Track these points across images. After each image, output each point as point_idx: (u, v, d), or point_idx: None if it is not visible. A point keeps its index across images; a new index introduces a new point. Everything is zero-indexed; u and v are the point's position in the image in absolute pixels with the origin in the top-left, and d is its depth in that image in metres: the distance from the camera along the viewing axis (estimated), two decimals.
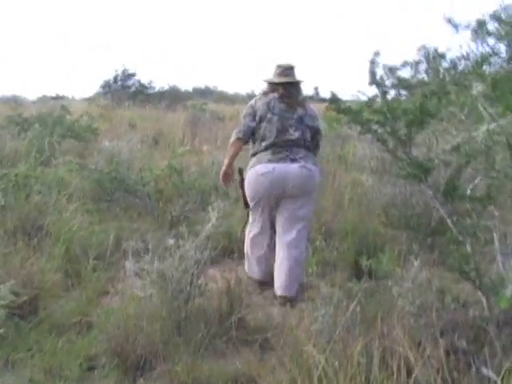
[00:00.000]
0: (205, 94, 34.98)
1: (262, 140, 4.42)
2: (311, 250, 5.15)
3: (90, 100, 27.35)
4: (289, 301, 4.37)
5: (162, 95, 25.40)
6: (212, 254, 4.03)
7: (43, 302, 4.22)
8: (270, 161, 4.35)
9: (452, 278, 3.78)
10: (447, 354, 2.77)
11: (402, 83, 3.43)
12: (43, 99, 35.54)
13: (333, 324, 3.04)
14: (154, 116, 17.16)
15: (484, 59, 2.96)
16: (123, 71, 26.03)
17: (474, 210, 3.19)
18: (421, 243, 4.07)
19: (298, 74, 4.69)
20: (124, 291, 4.16)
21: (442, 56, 3.30)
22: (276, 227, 4.57)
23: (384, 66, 3.35)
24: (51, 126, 10.25)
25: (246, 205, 4.70)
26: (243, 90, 33.71)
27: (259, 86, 5.01)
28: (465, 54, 3.25)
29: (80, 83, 57.86)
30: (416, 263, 3.10)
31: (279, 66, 4.61)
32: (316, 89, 3.70)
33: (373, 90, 3.56)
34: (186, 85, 53.20)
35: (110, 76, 26.80)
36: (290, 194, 4.38)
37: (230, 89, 52.95)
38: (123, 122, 15.52)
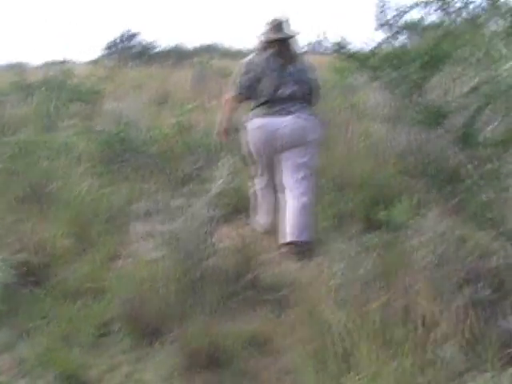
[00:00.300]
0: (210, 50, 34.48)
1: (260, 96, 4.48)
2: (326, 203, 5.04)
3: (95, 63, 27.09)
4: (301, 247, 4.33)
5: (167, 54, 25.05)
6: (224, 212, 3.95)
7: (55, 268, 4.19)
8: (264, 115, 4.46)
9: (472, 227, 3.65)
10: (472, 304, 2.67)
11: (410, 26, 3.25)
12: (48, 64, 35.24)
13: (352, 279, 2.93)
14: (160, 75, 16.90)
15: None
16: (126, 31, 25.66)
17: (494, 155, 3.05)
18: (439, 191, 3.91)
19: (292, 28, 4.62)
20: (136, 254, 4.08)
21: None
22: (282, 179, 4.59)
23: (393, 9, 3.17)
24: (57, 89, 10.08)
25: (247, 160, 4.88)
26: (246, 47, 33.20)
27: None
28: None
29: (85, 46, 57.32)
30: (435, 212, 2.96)
31: (272, 22, 4.56)
32: (324, 33, 3.54)
33: (380, 37, 3.41)
34: (192, 42, 52.59)
35: (113, 37, 26.43)
36: (288, 144, 4.44)
37: (235, 45, 52.21)
38: (130, 83, 15.32)
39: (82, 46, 68.02)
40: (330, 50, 3.40)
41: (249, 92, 4.52)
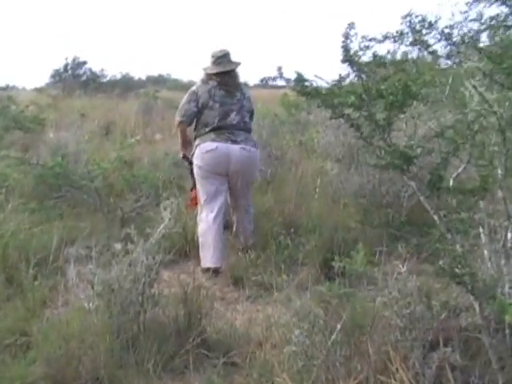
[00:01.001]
0: (158, 82, 34.31)
1: (205, 125, 4.76)
2: (275, 247, 4.77)
3: (40, 90, 26.47)
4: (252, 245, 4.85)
5: (114, 84, 24.73)
6: (167, 257, 3.60)
7: None
8: (213, 140, 4.69)
9: (439, 281, 3.40)
10: (444, 368, 2.41)
11: (378, 60, 3.00)
12: None
13: (310, 345, 2.60)
14: (105, 105, 16.53)
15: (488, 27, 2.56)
16: (73, 59, 25.19)
17: (462, 204, 2.81)
18: (398, 240, 3.68)
19: (233, 59, 4.94)
20: (67, 303, 3.67)
21: (431, 25, 2.88)
22: (230, 200, 5.00)
23: (361, 39, 2.91)
24: None
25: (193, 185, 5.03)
26: (197, 78, 33.09)
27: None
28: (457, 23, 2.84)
29: (31, 73, 56.35)
30: (403, 268, 2.68)
31: (213, 55, 4.85)
32: (279, 69, 3.27)
33: (342, 71, 3.17)
34: (139, 73, 52.15)
35: (60, 65, 25.92)
36: (232, 171, 4.73)
37: (185, 76, 52.04)
38: (73, 112, 14.87)
39: (27, 72, 66.96)
40: (287, 83, 3.12)
41: (191, 120, 4.83)
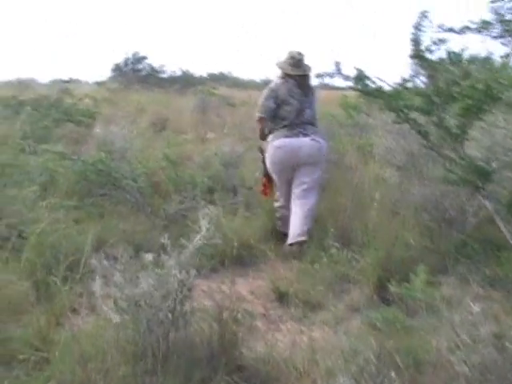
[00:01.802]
0: (219, 79, 34.18)
1: (282, 119, 5.10)
2: (326, 260, 4.39)
3: (101, 84, 26.65)
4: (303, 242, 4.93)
5: (174, 80, 24.64)
6: (203, 272, 3.28)
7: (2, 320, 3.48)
8: (286, 136, 5.07)
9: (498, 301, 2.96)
10: None
11: (454, 57, 2.55)
12: (55, 82, 34.94)
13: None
14: (162, 100, 16.36)
15: None
16: (134, 54, 25.20)
17: None
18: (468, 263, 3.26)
19: (308, 64, 5.26)
20: (93, 311, 3.37)
21: None
22: (293, 190, 5.18)
23: (435, 29, 2.47)
24: (46, 109, 9.45)
25: (269, 178, 5.36)
26: (257, 77, 32.84)
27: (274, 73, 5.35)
28: None
29: (94, 67, 57.19)
30: (475, 308, 2.24)
31: (293, 57, 5.17)
32: (337, 64, 2.88)
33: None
34: (201, 70, 52.29)
35: (121, 59, 26.00)
36: (303, 162, 5.06)
37: (245, 75, 51.93)
38: (131, 107, 14.76)
39: (91, 66, 68.07)
40: (345, 80, 2.74)
41: (270, 116, 5.14)
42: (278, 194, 5.37)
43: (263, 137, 5.29)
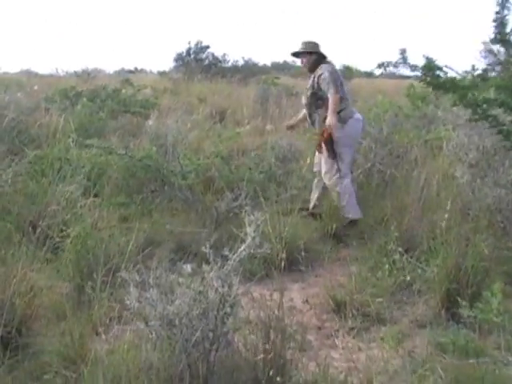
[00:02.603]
0: (283, 68, 33.81)
1: (346, 99, 5.44)
2: (388, 267, 4.02)
3: (163, 74, 26.63)
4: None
5: (237, 69, 24.35)
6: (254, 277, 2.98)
7: (37, 325, 3.29)
8: (356, 112, 5.56)
9: None
10: None
11: None
12: (120, 72, 35.30)
13: None
14: (224, 90, 16.10)
15: None
16: (196, 44, 25.02)
17: None
18: None
19: None
20: (130, 324, 3.09)
21: None
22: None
23: None
24: (103, 100, 9.31)
25: (334, 155, 5.37)
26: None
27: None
28: None
29: (159, 56, 57.61)
30: None
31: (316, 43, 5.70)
32: (403, 52, 2.49)
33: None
34: (263, 59, 51.96)
35: (183, 48, 25.86)
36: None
37: None
38: (191, 97, 14.55)
39: (155, 55, 68.74)
40: (412, 70, 2.36)
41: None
42: (340, 166, 5.38)
43: (336, 126, 5.26)
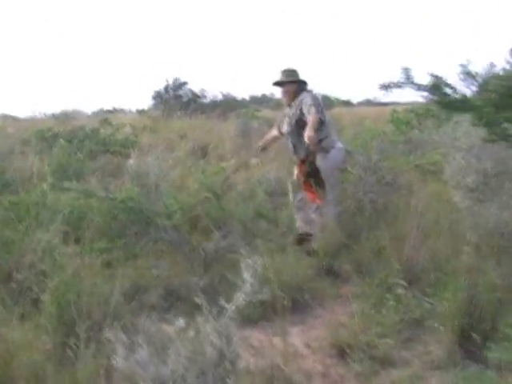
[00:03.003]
0: (262, 101, 33.84)
1: (326, 126, 5.39)
2: (392, 304, 3.76)
3: (142, 112, 26.47)
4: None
5: (216, 104, 24.24)
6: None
7: None
8: (338, 141, 5.54)
9: None
10: None
11: None
12: (99, 113, 35.14)
13: None
14: (204, 126, 15.90)
15: None
16: (174, 80, 24.91)
17: None
18: None
19: None
20: None
21: None
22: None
23: None
24: (81, 140, 9.05)
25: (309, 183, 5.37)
26: None
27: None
28: None
29: (136, 95, 57.65)
30: None
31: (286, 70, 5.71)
32: (406, 71, 2.27)
33: None
34: (242, 93, 52.15)
35: (161, 86, 25.71)
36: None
37: None
38: (172, 134, 14.31)
39: (133, 94, 68.89)
40: (418, 89, 2.14)
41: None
42: (333, 195, 5.42)
43: (315, 140, 5.13)
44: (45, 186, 5.47)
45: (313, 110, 5.18)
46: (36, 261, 4.11)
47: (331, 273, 4.82)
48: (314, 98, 5.41)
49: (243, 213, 4.80)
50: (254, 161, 9.22)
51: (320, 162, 5.32)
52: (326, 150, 5.34)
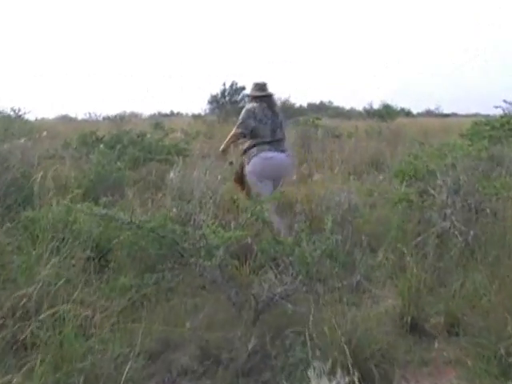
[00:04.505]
0: (320, 109, 32.86)
1: (261, 137, 5.67)
2: None
3: (197, 117, 25.76)
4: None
5: None
6: None
7: None
8: (269, 150, 5.67)
9: None
10: None
11: None
12: (155, 116, 34.76)
13: None
14: None
15: None
16: (231, 85, 24.02)
17: None
18: None
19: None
20: None
21: None
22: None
23: None
24: (124, 146, 8.17)
25: (243, 187, 5.92)
26: (359, 105, 31.31)
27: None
28: None
29: (193, 99, 57.31)
30: None
31: (257, 84, 5.97)
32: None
33: None
34: (300, 100, 51.20)
35: (217, 90, 24.90)
36: (280, 174, 5.77)
37: (347, 103, 50.38)
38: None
39: (191, 98, 68.74)
40: None
41: (249, 132, 5.69)
42: (258, 192, 5.57)
43: (231, 146, 5.98)
44: (68, 200, 4.56)
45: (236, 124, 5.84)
46: (30, 307, 3.17)
47: (415, 329, 3.75)
48: (243, 112, 5.83)
49: (307, 250, 3.70)
50: (316, 176, 8.19)
51: (246, 168, 5.79)
52: (248, 158, 5.73)
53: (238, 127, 5.75)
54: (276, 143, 5.70)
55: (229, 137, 5.85)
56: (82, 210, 3.67)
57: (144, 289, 3.73)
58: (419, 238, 4.90)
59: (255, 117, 5.70)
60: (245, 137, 5.77)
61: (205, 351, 3.29)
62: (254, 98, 5.95)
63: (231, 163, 6.29)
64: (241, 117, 5.80)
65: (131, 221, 3.45)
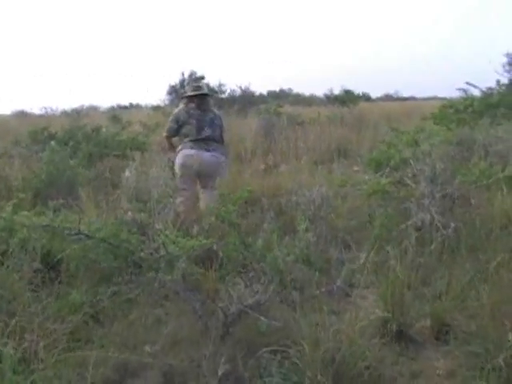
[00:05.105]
0: (280, 97, 32.46)
1: (186, 136, 6.01)
2: None
3: (157, 108, 25.14)
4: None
5: (233, 99, 22.76)
6: None
7: None
8: (191, 148, 5.93)
9: None
10: None
11: None
12: (113, 109, 33.92)
13: None
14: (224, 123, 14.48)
15: None
16: (190, 74, 23.37)
17: None
18: None
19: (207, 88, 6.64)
20: None
21: None
22: (200, 190, 5.98)
23: None
24: (78, 142, 7.68)
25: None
26: (320, 91, 30.98)
27: None
28: None
29: (152, 90, 56.46)
30: None
31: (192, 84, 6.61)
32: None
33: None
34: (259, 88, 50.87)
35: (176, 80, 24.23)
36: (204, 172, 5.88)
37: (307, 90, 49.93)
38: None
39: (149, 89, 67.71)
40: None
41: (173, 134, 6.17)
42: (182, 186, 5.89)
43: (170, 149, 6.30)
44: (9, 206, 4.11)
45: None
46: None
47: (400, 336, 3.41)
48: (174, 113, 6.21)
49: (279, 255, 3.32)
50: (283, 167, 7.82)
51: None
52: (176, 155, 6.01)
53: (165, 131, 6.32)
54: (201, 141, 5.92)
55: (165, 144, 6.56)
56: (22, 222, 3.22)
57: (98, 304, 3.33)
58: (397, 231, 4.59)
59: (177, 120, 6.07)
60: (174, 136, 6.23)
61: (168, 378, 2.90)
62: (184, 98, 6.35)
63: (169, 159, 6.51)
64: (169, 120, 6.25)
65: (79, 231, 3.02)
